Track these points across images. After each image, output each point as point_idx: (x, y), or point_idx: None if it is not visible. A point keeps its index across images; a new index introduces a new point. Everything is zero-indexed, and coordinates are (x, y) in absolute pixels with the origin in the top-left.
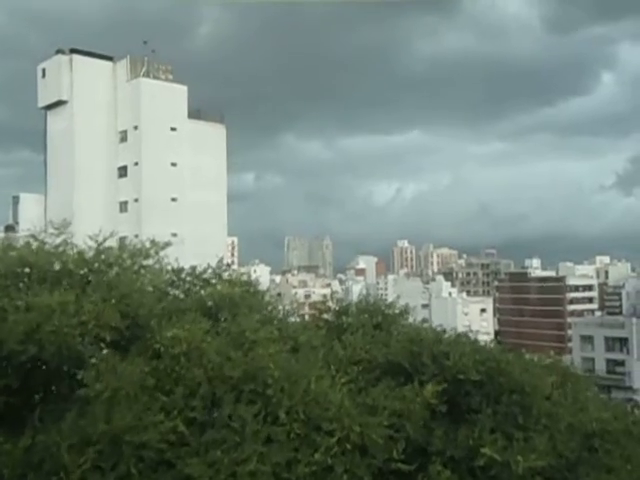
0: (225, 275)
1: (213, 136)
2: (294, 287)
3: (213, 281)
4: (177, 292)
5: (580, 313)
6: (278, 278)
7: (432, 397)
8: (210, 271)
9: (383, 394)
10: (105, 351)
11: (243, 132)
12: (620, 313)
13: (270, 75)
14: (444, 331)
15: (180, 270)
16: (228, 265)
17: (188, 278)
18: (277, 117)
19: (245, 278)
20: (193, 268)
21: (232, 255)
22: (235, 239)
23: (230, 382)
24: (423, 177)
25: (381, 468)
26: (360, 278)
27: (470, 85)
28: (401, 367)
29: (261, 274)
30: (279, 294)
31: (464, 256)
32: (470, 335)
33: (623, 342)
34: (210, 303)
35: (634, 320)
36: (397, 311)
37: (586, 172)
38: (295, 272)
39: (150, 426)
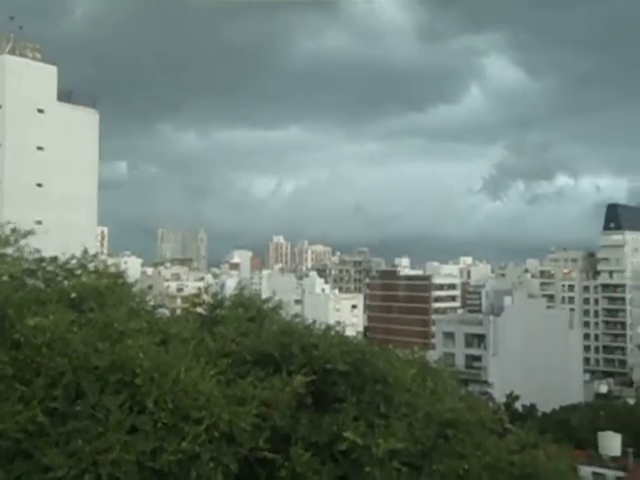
0: (91, 266)
1: (84, 121)
2: (167, 280)
3: (78, 272)
4: (37, 282)
5: (444, 311)
6: (150, 270)
7: (300, 387)
8: (75, 261)
9: (252, 385)
10: None
11: (117, 118)
12: (480, 311)
13: (148, 62)
14: (314, 324)
15: (41, 259)
16: (95, 255)
17: (50, 268)
18: (154, 105)
19: (113, 269)
20: (55, 258)
21: (101, 245)
22: (105, 229)
23: (96, 372)
24: (302, 174)
25: (247, 456)
26: (234, 272)
27: (347, 85)
28: (271, 357)
29: (132, 266)
30: (150, 286)
31: (338, 253)
32: (338, 328)
33: (481, 338)
34: (74, 295)
35: (491, 318)
36: (271, 306)
37: (455, 176)
38: (168, 265)
39: (7, 415)
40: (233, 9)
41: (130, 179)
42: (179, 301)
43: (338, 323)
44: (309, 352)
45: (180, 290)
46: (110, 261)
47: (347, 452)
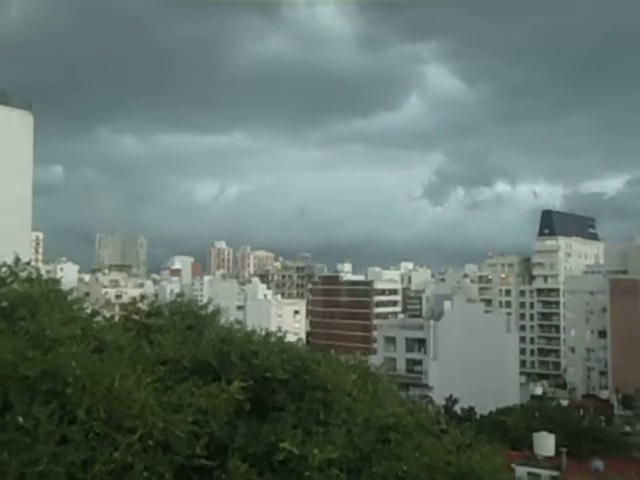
0: (23, 273)
1: (18, 123)
2: (104, 287)
3: (9, 280)
4: None
5: (385, 316)
6: (88, 277)
7: (238, 392)
8: (5, 269)
9: (189, 392)
10: None
11: (53, 121)
12: (420, 316)
13: (86, 64)
14: (254, 331)
15: None
16: (27, 263)
17: None
18: (91, 108)
19: (48, 276)
20: None
21: (36, 251)
22: (40, 234)
23: (25, 382)
24: (245, 179)
25: (183, 464)
26: (175, 278)
27: (291, 91)
28: (210, 366)
29: (69, 272)
30: (87, 293)
31: (280, 259)
32: (279, 335)
33: (421, 343)
34: (5, 303)
35: (431, 322)
36: (209, 312)
37: (397, 182)
38: (106, 271)
39: None
40: (174, 11)
41: (67, 183)
42: (117, 308)
43: (279, 329)
44: (248, 360)
45: (119, 297)
46: (45, 268)
47: (284, 462)
